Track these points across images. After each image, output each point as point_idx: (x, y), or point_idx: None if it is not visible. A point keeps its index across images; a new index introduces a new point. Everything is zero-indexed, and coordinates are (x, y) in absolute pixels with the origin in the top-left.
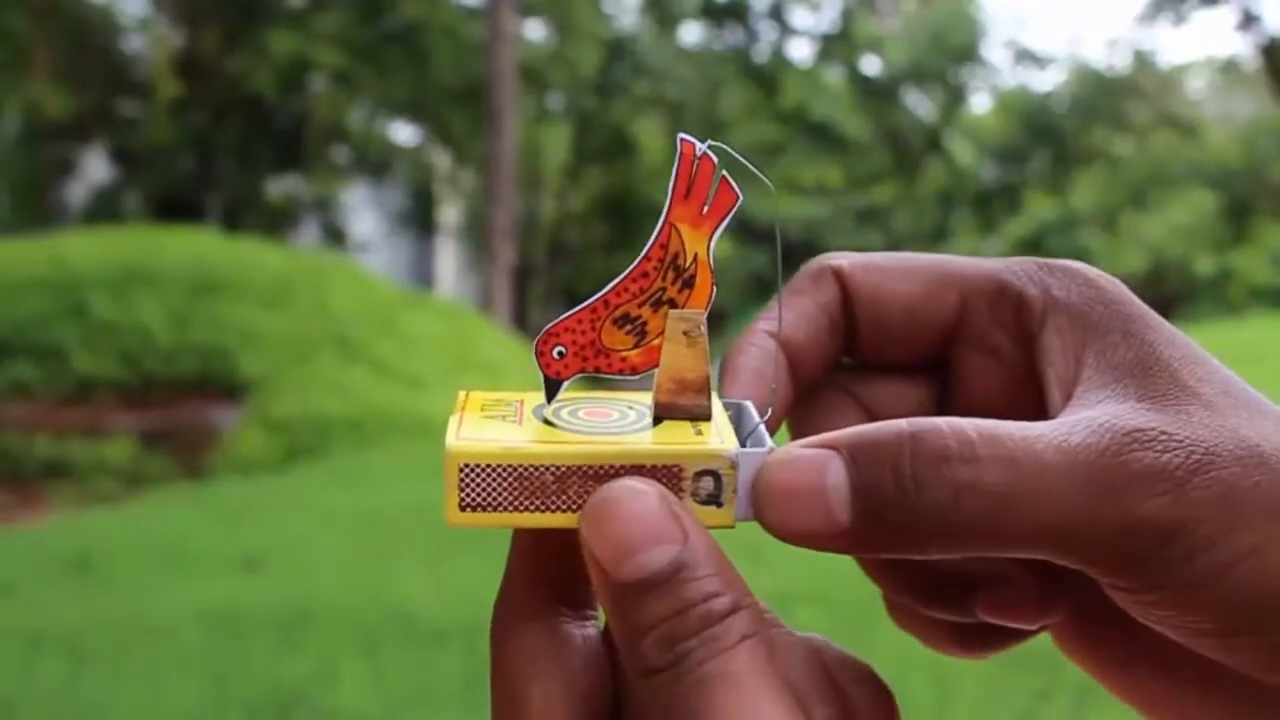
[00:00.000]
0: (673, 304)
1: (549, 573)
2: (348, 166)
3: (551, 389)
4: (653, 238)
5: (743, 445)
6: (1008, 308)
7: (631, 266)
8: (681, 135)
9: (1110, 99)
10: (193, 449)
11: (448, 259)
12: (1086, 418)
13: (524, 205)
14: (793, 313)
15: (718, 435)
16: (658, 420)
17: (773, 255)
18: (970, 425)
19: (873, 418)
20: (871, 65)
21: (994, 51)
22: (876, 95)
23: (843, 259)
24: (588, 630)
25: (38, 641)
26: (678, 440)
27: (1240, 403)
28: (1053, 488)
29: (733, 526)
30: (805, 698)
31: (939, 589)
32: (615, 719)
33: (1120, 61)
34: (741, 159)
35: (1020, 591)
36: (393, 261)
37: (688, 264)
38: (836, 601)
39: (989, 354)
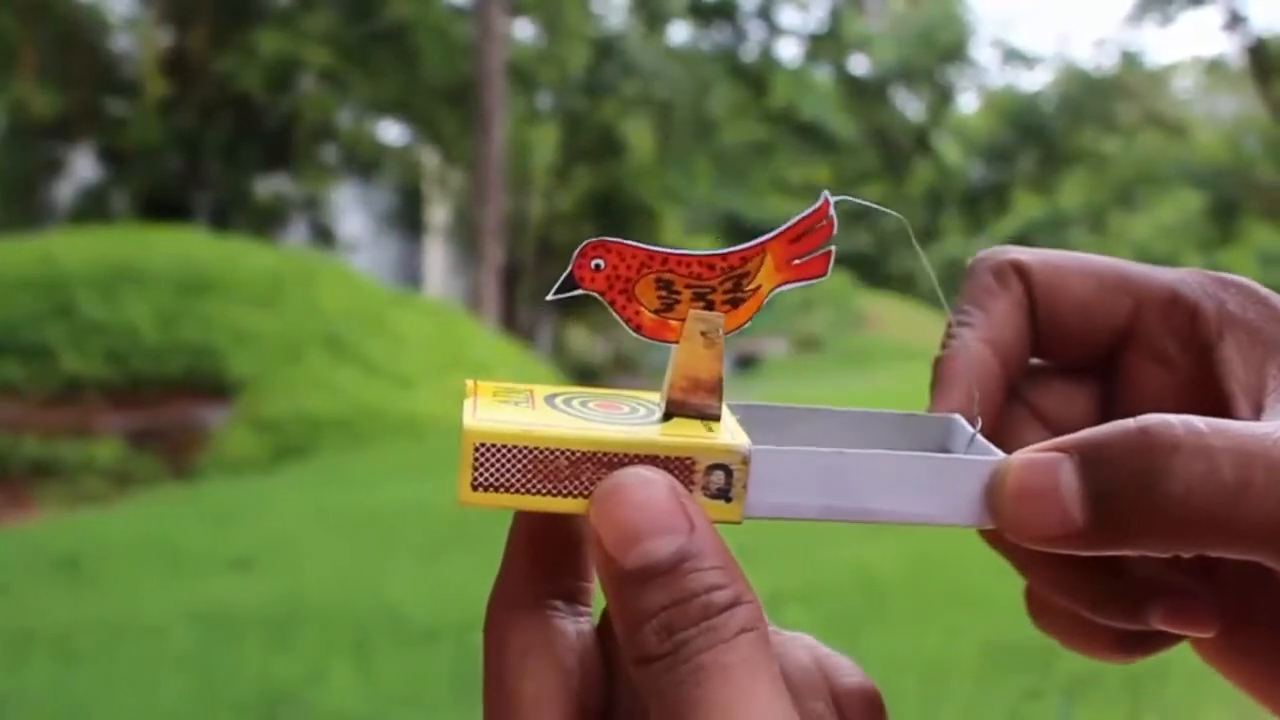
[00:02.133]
0: (710, 307)
1: (545, 565)
2: (336, 166)
3: (566, 287)
4: (744, 245)
5: (964, 455)
6: (1182, 318)
7: (710, 252)
8: (826, 192)
9: (1098, 99)
10: (181, 449)
11: (436, 259)
12: None
13: (513, 205)
14: (992, 313)
15: (729, 432)
16: (668, 416)
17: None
18: (1200, 419)
19: (1044, 422)
20: (860, 65)
21: (982, 51)
22: (865, 95)
23: (1023, 254)
24: (582, 625)
25: (27, 641)
26: (690, 434)
27: None
28: None
29: (739, 522)
30: (795, 696)
31: (1113, 596)
32: (608, 715)
33: (1108, 61)
34: (873, 205)
35: (1198, 599)
36: (381, 261)
37: (748, 288)
38: (826, 601)
39: (1159, 361)
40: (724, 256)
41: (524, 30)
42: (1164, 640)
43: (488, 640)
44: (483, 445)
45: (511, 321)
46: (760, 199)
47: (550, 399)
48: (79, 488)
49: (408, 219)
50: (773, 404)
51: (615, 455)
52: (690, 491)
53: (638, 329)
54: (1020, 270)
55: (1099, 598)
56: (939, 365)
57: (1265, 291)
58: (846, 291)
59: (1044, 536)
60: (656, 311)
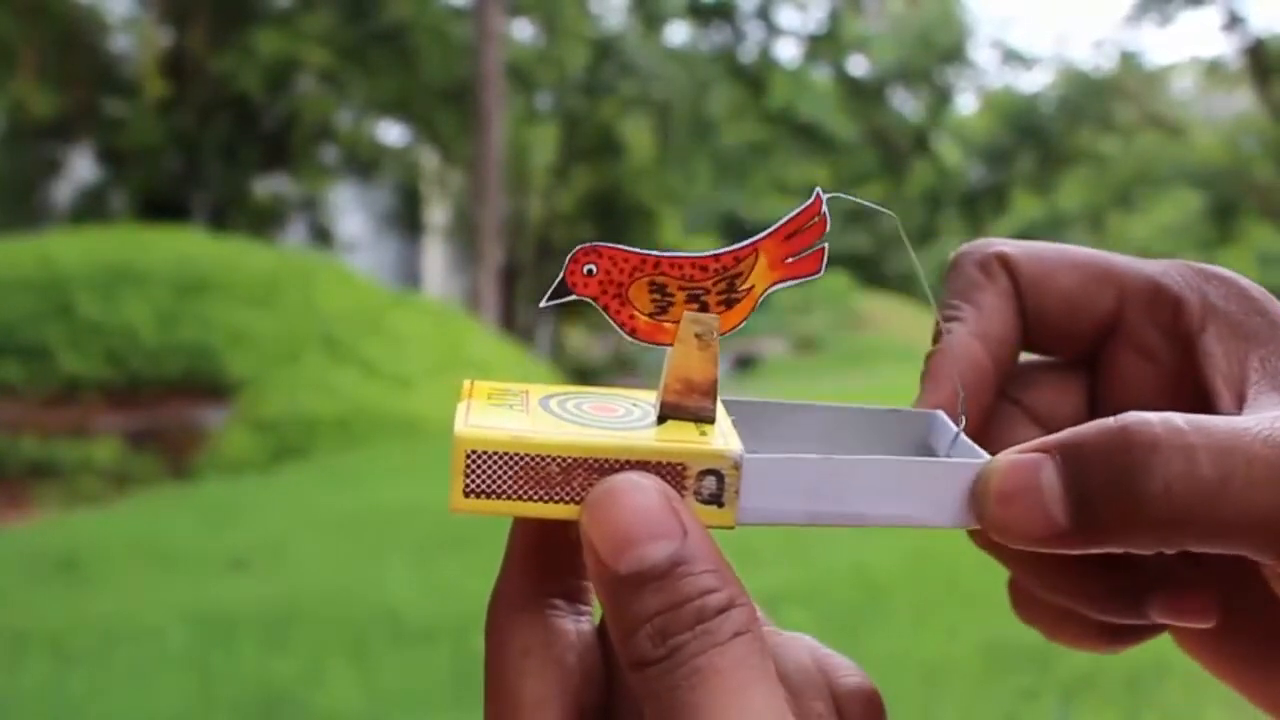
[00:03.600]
0: (704, 309)
1: (546, 565)
2: (335, 166)
3: (559, 293)
4: (736, 245)
5: (947, 455)
6: (1165, 310)
7: (702, 253)
8: (818, 189)
9: (1096, 99)
10: (179, 449)
11: (435, 259)
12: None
13: (511, 205)
14: (981, 307)
15: (721, 437)
16: (662, 419)
17: None
18: (1180, 416)
19: (1033, 419)
20: (858, 66)
21: (980, 52)
22: (863, 96)
23: (1006, 245)
24: (582, 624)
25: (23, 642)
26: (682, 439)
27: None
28: (1263, 480)
29: (733, 527)
30: (794, 696)
31: (1110, 591)
32: (608, 713)
33: (1106, 62)
34: (864, 204)
35: (1197, 590)
36: (380, 261)
37: (741, 288)
38: (825, 602)
39: (1144, 354)
40: (717, 258)
41: (523, 30)
42: (1152, 630)
43: (488, 640)
44: (474, 453)
45: (510, 322)
46: (759, 199)
47: (545, 401)
48: (77, 488)
49: (406, 219)
50: (763, 400)
51: (606, 461)
52: (682, 497)
53: (632, 333)
54: (1006, 263)
55: (1095, 593)
56: (929, 360)
57: (1247, 283)
58: (845, 292)
59: (1028, 538)
60: (650, 315)
